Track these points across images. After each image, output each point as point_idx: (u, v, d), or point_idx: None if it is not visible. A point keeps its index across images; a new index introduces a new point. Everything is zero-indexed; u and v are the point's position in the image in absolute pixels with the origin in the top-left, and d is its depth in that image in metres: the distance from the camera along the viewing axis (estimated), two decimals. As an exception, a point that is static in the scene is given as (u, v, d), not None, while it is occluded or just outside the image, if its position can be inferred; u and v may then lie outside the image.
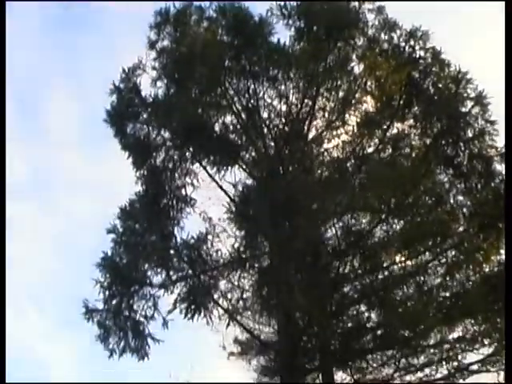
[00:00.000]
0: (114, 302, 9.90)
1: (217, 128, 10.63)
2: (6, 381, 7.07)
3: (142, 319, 9.74)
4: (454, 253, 10.00)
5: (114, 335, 9.77)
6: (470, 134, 10.23)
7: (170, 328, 9.90)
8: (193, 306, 9.40)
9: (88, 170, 18.23)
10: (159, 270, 9.80)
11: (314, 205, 9.94)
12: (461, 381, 9.85)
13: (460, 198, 10.25)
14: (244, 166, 10.62)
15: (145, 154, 10.59)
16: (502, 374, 9.56)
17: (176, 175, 10.39)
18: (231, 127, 10.66)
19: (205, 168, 10.55)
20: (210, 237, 9.74)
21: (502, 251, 9.81)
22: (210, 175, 10.48)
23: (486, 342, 9.78)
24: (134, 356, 9.81)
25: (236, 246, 9.90)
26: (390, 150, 10.67)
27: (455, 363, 9.77)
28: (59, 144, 18.96)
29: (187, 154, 10.60)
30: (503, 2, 6.96)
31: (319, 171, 10.77)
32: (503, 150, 9.97)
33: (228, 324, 9.96)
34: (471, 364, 9.80)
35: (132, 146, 10.75)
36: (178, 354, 12.70)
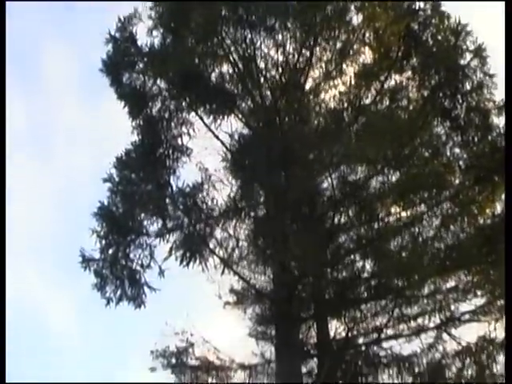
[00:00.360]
0: (110, 251, 9.93)
1: (213, 78, 10.55)
2: (6, 381, 7.18)
3: (138, 268, 9.79)
4: (449, 205, 10.06)
5: (111, 284, 9.83)
6: (468, 86, 10.19)
7: (166, 277, 9.95)
8: (188, 254, 9.44)
9: (85, 120, 18.14)
10: (155, 219, 9.83)
11: (310, 155, 9.95)
12: (452, 330, 10.06)
13: (456, 150, 10.27)
14: (240, 116, 10.59)
15: (141, 104, 10.52)
16: (493, 323, 9.74)
17: (172, 125, 10.34)
18: (227, 77, 10.58)
19: (201, 118, 10.51)
20: (205, 186, 9.74)
21: (497, 204, 9.88)
22: (206, 125, 10.45)
23: (478, 293, 9.95)
24: (131, 304, 9.90)
25: (232, 195, 9.94)
26: (388, 102, 10.65)
27: (448, 313, 9.97)
28: (55, 94, 18.86)
29: (183, 103, 10.54)
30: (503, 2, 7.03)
31: (316, 122, 10.75)
32: (501, 104, 9.98)
33: (223, 272, 10.05)
34: (463, 314, 9.98)
35: (128, 95, 10.66)
36: (174, 303, 12.80)
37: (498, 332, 9.66)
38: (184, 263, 9.48)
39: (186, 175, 10.14)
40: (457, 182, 10.10)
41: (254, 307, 11.17)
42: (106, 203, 10.03)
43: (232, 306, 11.47)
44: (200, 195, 9.65)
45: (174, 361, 10.93)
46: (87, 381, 11.78)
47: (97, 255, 9.92)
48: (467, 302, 10.00)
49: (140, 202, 9.79)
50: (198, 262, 9.53)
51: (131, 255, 9.84)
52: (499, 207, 9.87)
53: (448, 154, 10.18)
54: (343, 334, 10.41)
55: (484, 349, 9.62)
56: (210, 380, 11.03)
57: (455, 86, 10.15)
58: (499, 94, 9.99)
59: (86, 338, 18.32)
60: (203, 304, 12.73)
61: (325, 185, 10.31)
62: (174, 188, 9.79)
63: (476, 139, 10.20)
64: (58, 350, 18.96)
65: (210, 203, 9.75)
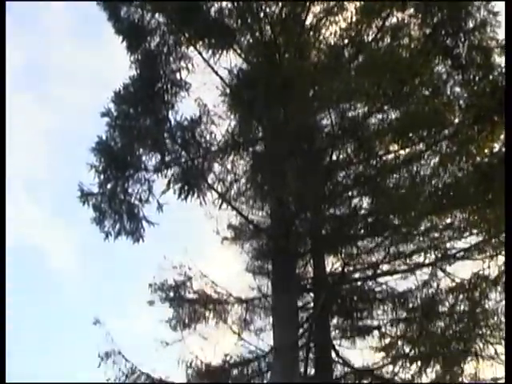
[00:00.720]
0: (108, 185, 9.94)
1: (212, 12, 10.36)
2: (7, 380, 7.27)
3: (136, 202, 9.81)
4: (447, 144, 10.06)
5: (110, 218, 9.87)
6: (471, 24, 10.03)
7: (165, 212, 9.99)
8: (186, 187, 9.46)
9: (83, 56, 17.94)
10: (153, 153, 9.82)
11: (309, 91, 9.90)
12: (447, 267, 10.21)
13: (457, 89, 10.17)
14: (239, 51, 10.48)
15: (139, 38, 10.37)
16: (487, 261, 9.87)
17: (171, 59, 10.19)
18: (227, 11, 10.37)
19: (200, 53, 10.39)
20: (204, 119, 9.69)
21: (496, 144, 9.87)
22: (205, 60, 10.34)
23: (474, 232, 10.04)
24: (129, 238, 9.97)
25: (230, 129, 9.92)
26: (389, 40, 10.51)
27: (443, 250, 10.09)
28: (53, 30, 18.62)
29: (182, 38, 10.40)
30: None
31: (316, 58, 10.65)
32: (503, 43, 9.86)
33: (220, 206, 10.12)
34: (458, 252, 10.10)
35: (126, 29, 10.50)
36: (172, 237, 12.94)
37: (492, 270, 9.84)
38: (182, 197, 9.50)
39: (184, 110, 10.09)
40: (456, 121, 10.04)
41: (252, 242, 11.34)
42: (104, 138, 10.00)
43: (230, 241, 11.65)
44: (198, 129, 9.61)
45: (171, 294, 11.16)
46: (86, 315, 11.93)
47: (95, 190, 9.96)
48: (462, 240, 10.14)
49: (138, 136, 9.76)
50: (195, 195, 9.56)
51: (130, 190, 9.85)
52: (498, 147, 9.89)
53: (448, 92, 10.10)
54: (339, 270, 10.58)
55: (477, 286, 9.78)
56: (207, 313, 11.26)
57: (458, 23, 10.00)
58: (502, 33, 9.89)
59: (84, 272, 18.58)
60: (201, 239, 12.89)
61: (324, 121, 10.32)
62: (173, 122, 9.74)
63: (477, 78, 10.11)
64: (57, 285, 19.25)
65: (208, 137, 9.73)
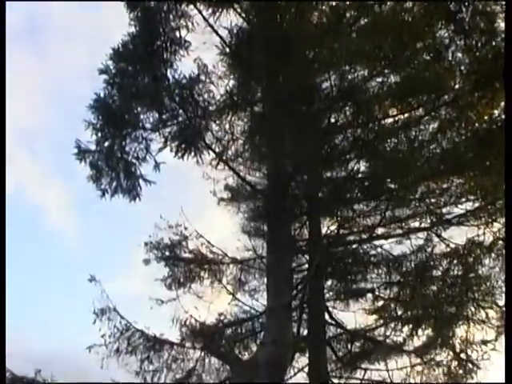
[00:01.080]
0: (106, 143, 9.87)
1: (213, -31, 10.22)
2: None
3: (133, 161, 9.77)
4: (447, 109, 10.01)
5: (106, 176, 9.82)
6: (475, -12, 9.92)
7: (162, 172, 9.95)
8: (183, 146, 9.43)
9: (82, 14, 17.69)
10: (151, 112, 9.74)
11: (309, 52, 9.81)
12: (442, 232, 10.27)
13: (459, 54, 10.08)
14: (239, 11, 10.33)
15: (139, -5, 10.22)
16: (482, 227, 9.93)
17: (170, 17, 10.04)
18: (228, -31, 10.25)
19: (200, 11, 10.24)
20: (202, 77, 9.59)
21: (495, 111, 9.83)
22: (205, 18, 10.19)
23: (470, 198, 10.07)
24: (126, 197, 9.95)
25: (228, 88, 9.84)
26: (392, 2, 10.38)
27: (438, 216, 10.14)
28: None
29: (182, -4, 10.25)
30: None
31: (317, 19, 10.51)
32: (508, 8, 9.74)
33: (217, 165, 10.11)
34: (454, 217, 10.15)
35: (126, -14, 10.33)
36: (168, 197, 12.97)
37: (487, 236, 9.90)
38: (179, 155, 9.46)
39: (183, 70, 9.98)
40: (457, 86, 9.98)
41: (248, 203, 11.36)
42: (102, 96, 9.91)
43: (226, 202, 11.66)
44: (197, 88, 9.52)
45: (167, 253, 11.22)
46: (81, 273, 12.01)
47: (92, 147, 9.90)
48: (459, 206, 10.18)
49: (136, 94, 9.67)
50: (192, 154, 9.52)
51: (127, 148, 9.78)
52: (498, 114, 9.84)
53: (450, 58, 10.00)
54: (335, 232, 10.63)
55: (471, 251, 9.86)
56: (202, 273, 11.34)
57: (462, -13, 9.87)
58: (507, -2, 9.75)
59: (81, 230, 18.63)
60: (198, 200, 12.91)
61: (323, 84, 10.23)
62: (171, 80, 9.63)
63: (480, 44, 10.01)
64: (54, 243, 19.32)
65: (206, 96, 9.63)
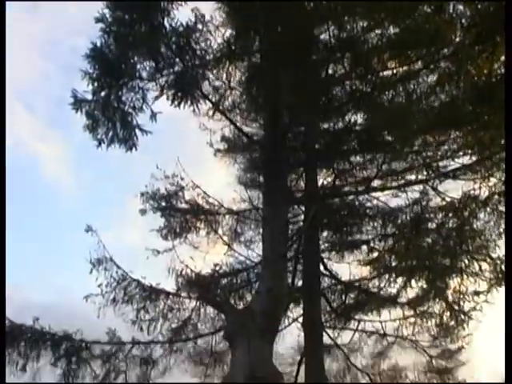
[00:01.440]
0: (102, 93, 9.77)
1: None
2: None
3: (130, 110, 9.69)
4: (446, 63, 9.92)
5: (103, 125, 9.72)
6: None
7: (159, 123, 9.86)
8: (180, 94, 9.35)
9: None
10: (148, 62, 9.62)
11: (308, 1, 9.66)
12: (438, 186, 10.29)
13: (460, 7, 9.94)
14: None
15: None
16: (478, 182, 9.95)
17: (168, -35, 9.86)
18: None
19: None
20: (199, 26, 9.43)
21: (495, 65, 9.74)
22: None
23: (467, 152, 10.07)
24: (122, 147, 9.90)
25: (226, 38, 9.68)
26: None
27: (435, 169, 10.16)
28: None
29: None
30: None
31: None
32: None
33: (213, 114, 10.02)
34: (450, 171, 10.17)
35: None
36: (165, 148, 12.91)
37: (482, 190, 9.92)
38: (175, 103, 9.37)
39: (181, 19, 9.82)
40: (457, 39, 9.87)
41: (245, 155, 11.33)
42: (98, 45, 9.75)
43: (223, 153, 11.63)
44: (194, 36, 9.37)
45: (163, 204, 11.22)
46: (78, 223, 12.06)
47: (89, 97, 9.80)
48: (455, 159, 10.18)
49: (133, 43, 9.53)
50: (189, 103, 9.44)
51: (123, 98, 9.69)
52: (498, 68, 9.75)
53: (451, 10, 9.87)
54: (331, 184, 10.66)
55: (467, 205, 9.89)
56: (198, 224, 11.38)
57: None
58: None
59: (77, 180, 18.63)
60: (194, 151, 12.86)
61: (322, 35, 10.10)
62: (168, 29, 9.47)
63: (482, -4, 9.86)
64: (51, 194, 19.34)
65: (203, 45, 9.49)
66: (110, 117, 9.66)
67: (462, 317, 10.69)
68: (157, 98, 9.61)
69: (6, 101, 7.71)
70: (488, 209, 9.70)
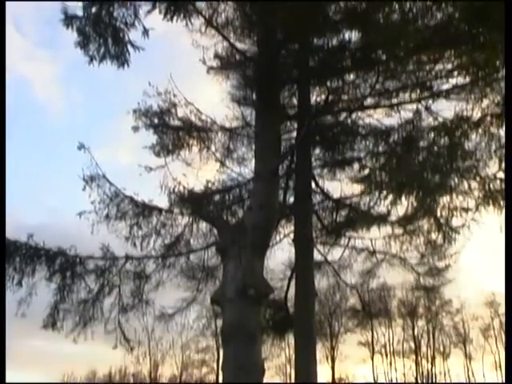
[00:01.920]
0: (93, 9, 9.55)
1: None
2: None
3: (122, 26, 9.51)
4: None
5: (94, 42, 9.59)
6: None
7: (151, 39, 9.70)
8: (172, 7, 9.15)
9: None
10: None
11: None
12: (431, 106, 10.25)
13: None
14: None
15: None
16: (471, 103, 9.89)
17: None
18: None
19: None
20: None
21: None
22: None
23: (461, 73, 9.97)
24: (114, 64, 9.77)
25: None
26: None
27: (428, 89, 10.10)
28: None
29: None
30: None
31: None
32: None
33: (206, 28, 9.77)
34: (444, 91, 10.11)
35: None
36: (157, 64, 12.71)
37: (475, 112, 9.89)
38: (168, 17, 9.20)
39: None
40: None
41: (238, 72, 11.19)
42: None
43: (216, 71, 11.47)
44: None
45: (156, 121, 11.16)
46: (71, 141, 12.04)
47: (80, 13, 9.59)
48: (449, 80, 10.10)
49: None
50: (182, 16, 9.26)
51: (115, 13, 9.50)
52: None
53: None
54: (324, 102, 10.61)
55: (459, 126, 9.89)
56: (190, 140, 11.38)
57: None
58: None
59: (69, 99, 18.48)
60: (187, 68, 12.67)
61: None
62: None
63: None
64: (43, 112, 19.20)
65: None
66: (101, 33, 9.51)
67: (450, 233, 10.87)
68: (149, 11, 9.44)
69: (5, 101, 7.59)
70: (480, 130, 9.71)
